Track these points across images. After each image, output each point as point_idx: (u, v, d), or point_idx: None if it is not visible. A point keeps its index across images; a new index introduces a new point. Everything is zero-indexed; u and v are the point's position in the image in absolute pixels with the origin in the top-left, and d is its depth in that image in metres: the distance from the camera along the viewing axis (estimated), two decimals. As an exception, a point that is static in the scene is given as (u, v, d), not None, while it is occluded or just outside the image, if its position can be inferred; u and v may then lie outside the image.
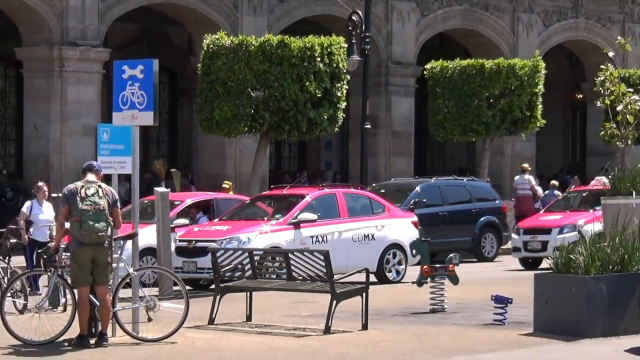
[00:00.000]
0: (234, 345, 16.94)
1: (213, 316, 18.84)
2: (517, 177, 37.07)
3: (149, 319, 17.49)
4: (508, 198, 40.92)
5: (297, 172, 39.29)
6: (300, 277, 19.64)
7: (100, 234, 15.98)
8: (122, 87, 21.67)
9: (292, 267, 19.44)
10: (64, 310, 18.65)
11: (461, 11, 47.51)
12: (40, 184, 26.53)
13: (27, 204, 26.13)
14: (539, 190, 36.81)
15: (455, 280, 21.47)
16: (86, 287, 16.17)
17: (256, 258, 21.05)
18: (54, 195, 27.89)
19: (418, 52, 45.16)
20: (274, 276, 20.86)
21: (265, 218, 28.02)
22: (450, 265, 22.25)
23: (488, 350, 16.10)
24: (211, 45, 32.90)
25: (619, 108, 24.29)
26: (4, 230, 25.90)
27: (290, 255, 20.42)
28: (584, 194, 35.31)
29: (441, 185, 37.06)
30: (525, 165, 41.31)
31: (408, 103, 44.51)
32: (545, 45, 48.79)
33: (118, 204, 16.84)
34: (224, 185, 22.88)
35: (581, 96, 34.55)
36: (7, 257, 21.70)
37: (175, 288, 20.49)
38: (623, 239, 18.14)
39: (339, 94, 32.94)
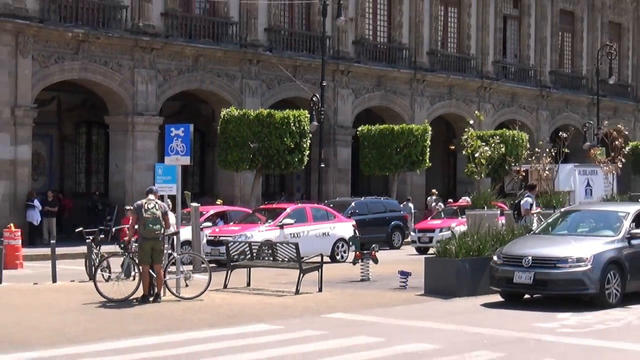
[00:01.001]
0: (239, 301, 17.57)
1: (226, 283, 19.43)
2: (429, 198, 37.15)
3: (186, 285, 18.14)
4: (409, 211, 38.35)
5: (279, 194, 38.55)
6: (281, 259, 19.77)
7: (156, 232, 17.01)
8: (170, 141, 22.53)
9: (277, 253, 19.88)
10: (134, 279, 18.59)
11: (379, 95, 44.47)
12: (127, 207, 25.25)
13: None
14: (441, 205, 36.25)
15: (375, 260, 21.96)
16: (147, 266, 17.04)
17: (254, 247, 20.89)
18: (127, 207, 27.06)
19: (353, 120, 43.13)
20: (266, 258, 20.42)
21: (261, 222, 27.05)
22: (373, 252, 22.40)
23: (396, 304, 16.85)
24: (226, 115, 31.83)
25: (476, 155, 25.48)
26: (96, 230, 24.08)
27: (275, 245, 20.72)
28: (454, 208, 34.69)
29: (367, 202, 35.24)
30: (434, 190, 40.20)
31: (347, 151, 42.67)
32: (431, 116, 44.58)
33: (168, 213, 17.72)
34: (217, 202, 23.34)
35: (453, 147, 34.61)
36: (98, 246, 20.99)
37: (202, 265, 21.10)
38: (479, 236, 19.08)
39: (304, 146, 31.56)
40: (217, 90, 36.98)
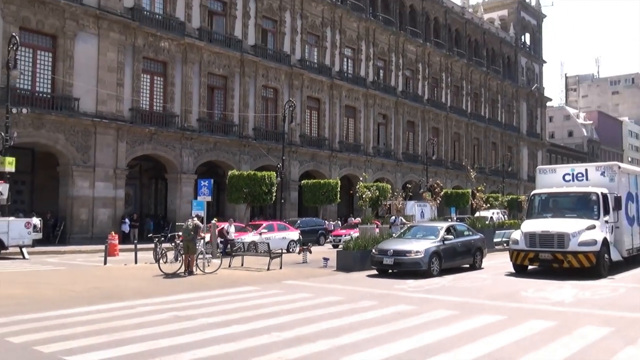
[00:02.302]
0: (236, 274, 17.07)
1: (229, 265, 18.68)
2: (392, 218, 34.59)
3: (208, 265, 17.51)
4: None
5: (258, 216, 37.33)
6: (260, 251, 19.17)
7: (189, 237, 16.59)
8: (200, 187, 22.76)
9: (257, 248, 19.41)
10: (179, 262, 17.70)
11: (313, 164, 41.73)
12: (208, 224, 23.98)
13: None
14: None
15: (310, 252, 21.65)
16: (186, 254, 16.81)
17: (246, 245, 20.67)
18: (178, 224, 26.61)
19: (298, 177, 40.26)
20: (252, 251, 19.50)
21: (249, 231, 25.48)
22: (308, 247, 22.47)
23: (320, 275, 16.62)
24: (231, 174, 30.14)
25: (363, 196, 26.18)
26: (160, 235, 23.62)
27: (257, 244, 20.39)
28: (352, 224, 32.89)
29: (306, 220, 33.30)
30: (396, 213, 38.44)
31: (295, 194, 39.67)
32: (340, 174, 43.39)
33: (199, 227, 16.95)
34: (212, 221, 23.29)
35: (351, 192, 34.35)
36: (160, 244, 18.68)
37: (217, 254, 20.64)
38: (365, 239, 18.87)
39: (273, 191, 30.04)
40: (226, 160, 36.18)
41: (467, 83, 61.68)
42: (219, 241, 23.16)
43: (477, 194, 32.31)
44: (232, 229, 23.74)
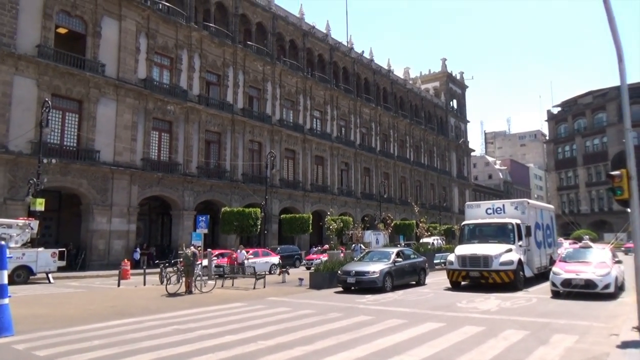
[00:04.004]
0: (228, 293, 16.61)
1: (222, 285, 18.33)
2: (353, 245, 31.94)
3: (204, 285, 17.04)
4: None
5: (245, 245, 36.63)
6: (247, 273, 18.95)
7: (188, 263, 16.25)
8: (199, 221, 22.15)
9: (245, 270, 19.20)
10: (180, 283, 16.79)
11: (290, 202, 41.31)
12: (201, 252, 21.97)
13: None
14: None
15: (288, 273, 21.34)
16: (186, 277, 16.48)
17: (235, 268, 20.82)
18: (180, 251, 25.61)
19: (278, 212, 38.89)
20: (240, 273, 19.35)
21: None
22: (286, 269, 21.98)
23: (297, 293, 16.21)
24: (224, 210, 29.42)
25: (330, 227, 25.28)
26: (165, 261, 24.48)
27: (245, 267, 20.01)
28: (322, 249, 32.57)
29: (284, 247, 32.06)
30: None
31: (276, 226, 37.85)
32: (312, 209, 42.61)
33: (196, 255, 16.70)
34: (208, 250, 22.98)
35: (322, 223, 33.91)
36: (165, 268, 18.94)
37: (213, 276, 19.91)
38: (332, 262, 18.68)
39: (258, 224, 29.36)
40: (220, 199, 35.51)
41: (410, 137, 62.48)
42: (214, 264, 22.38)
43: (421, 224, 32.56)
44: (242, 255, 22.82)
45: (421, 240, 32.10)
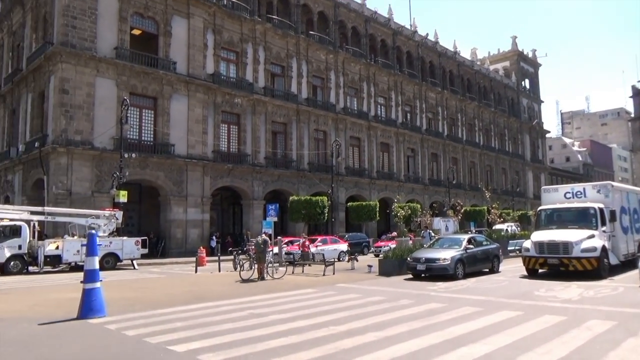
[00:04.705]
0: (299, 279, 16.72)
1: (292, 272, 18.55)
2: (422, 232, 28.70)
3: (276, 272, 17.23)
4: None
5: (313, 233, 36.47)
6: (317, 260, 18.96)
7: (260, 249, 16.49)
8: (269, 210, 22.43)
9: (315, 257, 19.15)
10: (252, 270, 17.10)
11: (356, 189, 41.71)
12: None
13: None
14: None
15: (357, 260, 21.31)
16: (258, 263, 16.66)
17: (305, 255, 20.57)
18: (252, 239, 24.81)
19: (345, 200, 39.67)
20: (310, 259, 19.54)
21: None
22: (355, 256, 22.08)
23: (366, 279, 16.08)
24: (292, 199, 30.85)
25: (398, 214, 25.40)
26: (238, 248, 24.67)
27: (314, 254, 20.05)
28: (390, 236, 31.16)
29: (352, 234, 32.44)
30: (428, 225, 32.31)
31: (343, 214, 38.73)
32: (379, 197, 42.55)
33: (267, 243, 16.87)
34: (279, 237, 23.02)
35: (388, 210, 33.29)
36: (238, 255, 19.91)
37: (284, 263, 19.80)
38: (401, 249, 18.37)
39: (325, 212, 30.13)
40: (288, 188, 36.21)
41: (479, 121, 60.38)
42: (284, 251, 22.77)
43: (492, 210, 31.46)
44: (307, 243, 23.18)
45: (494, 227, 31.04)
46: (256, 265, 16.94)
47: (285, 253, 22.69)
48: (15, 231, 20.44)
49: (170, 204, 29.77)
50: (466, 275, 15.63)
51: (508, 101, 66.93)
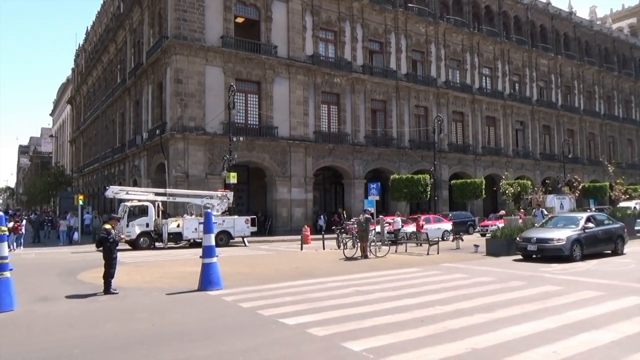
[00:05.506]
0: (402, 258, 16.72)
1: (395, 251, 18.37)
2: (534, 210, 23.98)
3: (379, 250, 17.22)
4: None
5: (415, 212, 35.66)
6: (420, 239, 18.86)
7: (362, 228, 16.58)
8: (370, 189, 22.17)
9: (418, 237, 18.98)
10: (355, 248, 16.78)
11: (460, 167, 39.99)
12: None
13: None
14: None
15: (462, 239, 20.30)
16: (361, 242, 16.66)
17: (407, 234, 20.98)
18: (353, 219, 25.18)
19: (448, 177, 38.72)
20: (413, 239, 19.17)
21: (409, 224, 23.74)
22: (460, 235, 20.95)
23: (473, 259, 15.76)
24: (393, 178, 29.71)
25: (506, 192, 23.89)
26: (340, 227, 25.21)
27: (417, 233, 20.11)
28: (498, 215, 29.93)
29: (456, 213, 31.47)
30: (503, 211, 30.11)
31: (446, 192, 38.08)
32: (484, 174, 40.38)
33: (369, 221, 16.82)
34: (380, 216, 23.03)
35: (495, 188, 32.15)
36: (341, 233, 20.40)
37: (385, 242, 19.84)
38: (510, 228, 17.64)
39: (428, 190, 28.96)
40: (388, 167, 35.95)
41: (599, 87, 54.66)
42: (386, 230, 22.71)
43: (616, 186, 28.64)
44: (399, 222, 23.10)
45: (618, 205, 28.24)
46: (359, 244, 17.24)
47: (388, 232, 22.61)
48: (143, 211, 22.38)
49: (276, 184, 30.97)
50: (584, 257, 14.57)
51: (635, 63, 59.72)
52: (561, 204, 32.91)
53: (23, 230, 23.19)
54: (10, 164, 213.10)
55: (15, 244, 20.96)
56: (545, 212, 23.78)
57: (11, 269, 8.53)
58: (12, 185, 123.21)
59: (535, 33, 48.94)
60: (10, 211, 43.61)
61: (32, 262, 16.52)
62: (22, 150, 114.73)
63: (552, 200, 32.41)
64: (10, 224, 19.68)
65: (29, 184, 79.17)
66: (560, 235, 14.60)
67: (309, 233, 24.85)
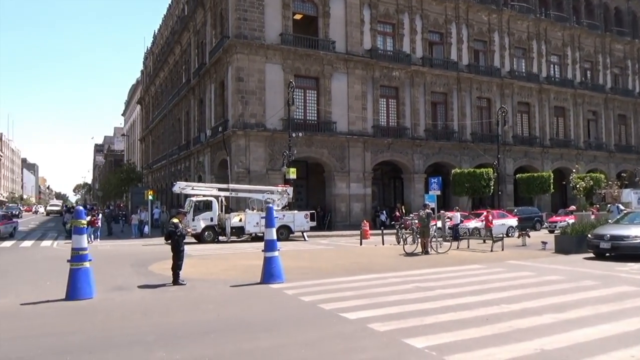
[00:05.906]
0: (464, 254, 16.29)
1: (457, 247, 18.06)
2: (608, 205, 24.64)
3: (440, 246, 16.94)
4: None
5: (478, 207, 34.73)
6: (483, 235, 18.62)
7: (423, 224, 16.09)
8: (431, 184, 21.79)
9: (480, 232, 18.97)
10: (415, 244, 17.20)
11: (526, 160, 38.56)
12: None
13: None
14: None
15: (528, 236, 19.86)
16: (422, 238, 16.48)
17: (470, 230, 20.68)
18: (413, 214, 25.53)
19: (513, 171, 37.29)
20: (475, 235, 18.99)
21: (472, 219, 23.79)
22: (527, 231, 20.39)
23: (540, 257, 15.25)
24: (454, 172, 29.64)
25: (577, 186, 22.86)
26: (400, 222, 25.05)
27: (479, 229, 19.80)
28: (567, 211, 29.30)
29: (522, 209, 30.59)
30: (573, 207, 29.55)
31: (511, 186, 36.74)
32: (552, 167, 38.79)
33: (430, 216, 16.54)
34: (441, 211, 22.67)
35: (564, 182, 30.69)
36: (401, 229, 19.92)
37: (447, 238, 19.20)
38: (581, 225, 16.98)
39: (491, 184, 28.77)
40: (449, 161, 35.19)
41: (683, 72, 50.86)
42: (447, 226, 22.31)
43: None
44: (457, 217, 22.77)
45: None
46: (419, 239, 17.02)
47: (449, 228, 22.27)
48: (207, 205, 23.15)
49: (334, 179, 31.13)
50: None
51: None
52: (639, 198, 30.79)
53: (99, 224, 24.68)
54: (87, 162, 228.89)
55: (92, 236, 22.35)
56: (622, 208, 22.45)
57: (90, 260, 9.07)
58: (89, 181, 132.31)
59: (609, 16, 45.86)
60: (88, 206, 46.64)
61: (108, 254, 17.51)
62: (97, 149, 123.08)
63: (628, 194, 30.38)
64: (88, 218, 21.06)
65: (103, 180, 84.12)
66: (637, 232, 13.75)
67: (368, 228, 24.78)
